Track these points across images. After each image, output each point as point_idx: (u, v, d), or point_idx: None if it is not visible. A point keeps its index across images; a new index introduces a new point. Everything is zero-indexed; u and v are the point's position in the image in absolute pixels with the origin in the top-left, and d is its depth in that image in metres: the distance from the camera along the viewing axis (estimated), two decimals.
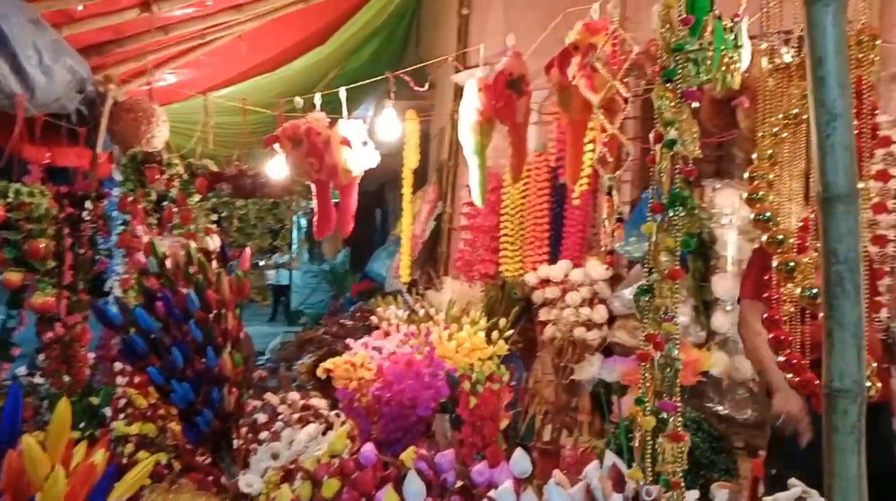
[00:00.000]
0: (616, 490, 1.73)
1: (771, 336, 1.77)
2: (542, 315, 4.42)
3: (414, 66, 4.50)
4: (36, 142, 4.09)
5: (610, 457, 1.71)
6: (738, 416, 3.73)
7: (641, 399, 1.30)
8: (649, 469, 1.31)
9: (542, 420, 3.02)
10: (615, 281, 4.38)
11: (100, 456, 2.06)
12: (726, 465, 2.21)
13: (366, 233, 9.85)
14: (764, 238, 1.68)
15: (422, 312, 3.21)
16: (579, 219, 4.47)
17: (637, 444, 1.31)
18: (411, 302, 3.90)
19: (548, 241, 4.67)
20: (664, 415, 1.28)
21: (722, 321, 3.88)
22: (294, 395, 3.13)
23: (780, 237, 1.61)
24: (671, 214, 1.31)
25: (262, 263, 5.35)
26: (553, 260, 4.57)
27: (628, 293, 4.20)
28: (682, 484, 1.34)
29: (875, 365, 2.03)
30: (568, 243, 4.54)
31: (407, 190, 5.05)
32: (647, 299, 1.32)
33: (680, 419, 1.30)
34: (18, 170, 3.94)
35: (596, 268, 4.28)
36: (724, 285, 3.96)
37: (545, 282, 4.46)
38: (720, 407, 3.84)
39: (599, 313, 4.20)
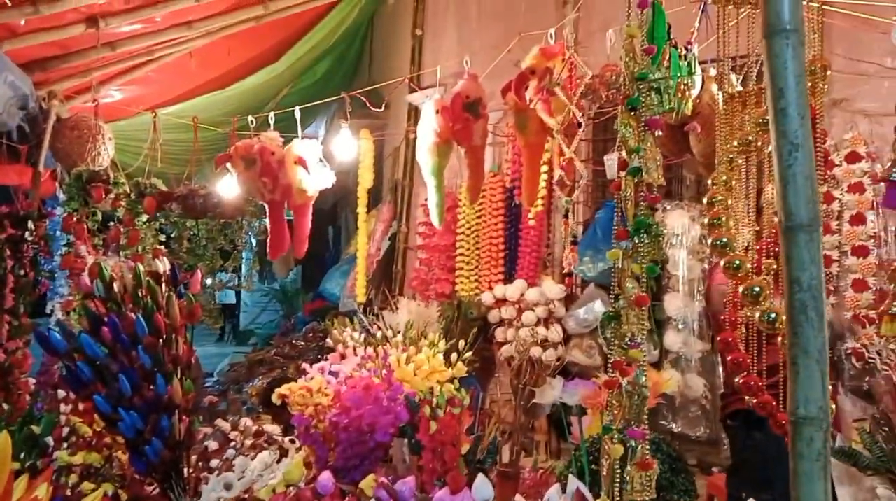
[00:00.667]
0: None
1: (729, 358, 1.80)
2: (499, 335, 4.42)
3: (370, 88, 4.48)
4: None
5: (573, 482, 1.70)
6: (691, 434, 3.79)
7: (609, 427, 1.29)
8: (618, 498, 1.30)
9: (501, 441, 2.99)
10: (568, 300, 4.42)
11: (43, 490, 1.96)
12: (685, 486, 2.22)
13: (318, 252, 9.71)
14: (722, 263, 1.70)
15: (378, 334, 3.17)
16: (534, 239, 4.50)
17: (605, 473, 1.30)
18: (367, 323, 3.85)
19: (503, 261, 4.69)
20: (632, 443, 1.27)
21: (674, 339, 3.94)
22: (246, 421, 3.05)
23: (737, 263, 1.63)
24: (637, 241, 1.32)
25: (209, 282, 5.21)
26: (508, 279, 4.58)
27: (583, 313, 4.24)
28: None
29: None
30: (523, 263, 4.56)
31: (362, 208, 5.01)
32: (613, 326, 1.32)
33: (647, 447, 1.29)
34: None
35: (551, 288, 4.31)
36: (676, 304, 4.03)
37: (501, 302, 4.46)
38: (673, 425, 3.89)
39: (555, 332, 4.22)
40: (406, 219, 5.34)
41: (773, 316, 1.60)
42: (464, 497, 1.94)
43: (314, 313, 5.97)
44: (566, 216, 3.14)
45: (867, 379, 3.51)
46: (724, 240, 1.63)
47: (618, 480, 1.29)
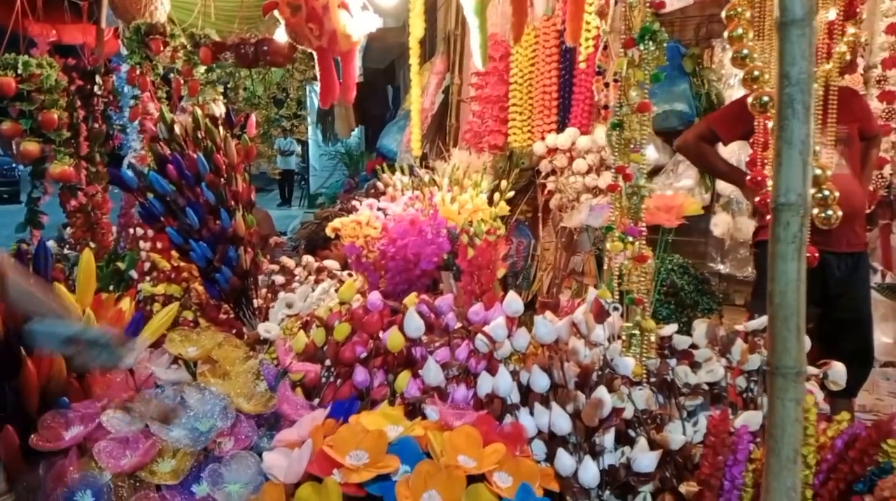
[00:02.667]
0: (597, 321, 1.89)
1: (748, 178, 1.86)
2: (550, 184, 4.51)
3: None
4: (39, 19, 4.09)
5: (592, 293, 1.85)
6: (738, 274, 3.89)
7: (611, 226, 1.41)
8: (616, 288, 1.44)
9: (549, 282, 3.17)
10: None
11: (126, 303, 2.26)
12: (710, 305, 2.36)
13: (378, 111, 9.79)
14: (750, 100, 1.72)
15: (427, 178, 3.31)
16: (587, 84, 4.45)
17: (606, 267, 1.44)
18: (421, 174, 4.00)
19: (556, 110, 4.68)
20: (630, 240, 1.39)
21: (726, 184, 3.95)
22: (309, 258, 3.31)
23: (756, 73, 1.66)
24: (641, 48, 1.37)
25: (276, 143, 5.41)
26: (562, 129, 4.59)
27: None
28: (645, 301, 1.48)
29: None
30: (576, 111, 4.55)
31: (414, 61, 5.00)
32: (617, 133, 1.40)
33: (644, 242, 1.41)
34: (25, 48, 3.98)
35: (604, 135, 4.31)
36: (731, 147, 4.01)
37: (553, 151, 4.51)
38: (722, 267, 3.99)
39: (605, 179, 4.27)
40: (459, 70, 5.33)
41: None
42: (496, 310, 2.13)
43: (375, 171, 6.16)
44: (605, 48, 3.11)
45: None
46: (745, 51, 1.64)
47: (617, 273, 1.43)
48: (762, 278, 2.92)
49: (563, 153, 4.45)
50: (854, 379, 2.94)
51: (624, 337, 1.62)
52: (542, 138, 4.61)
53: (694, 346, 2.06)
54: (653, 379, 2.07)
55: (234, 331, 2.72)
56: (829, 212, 2.08)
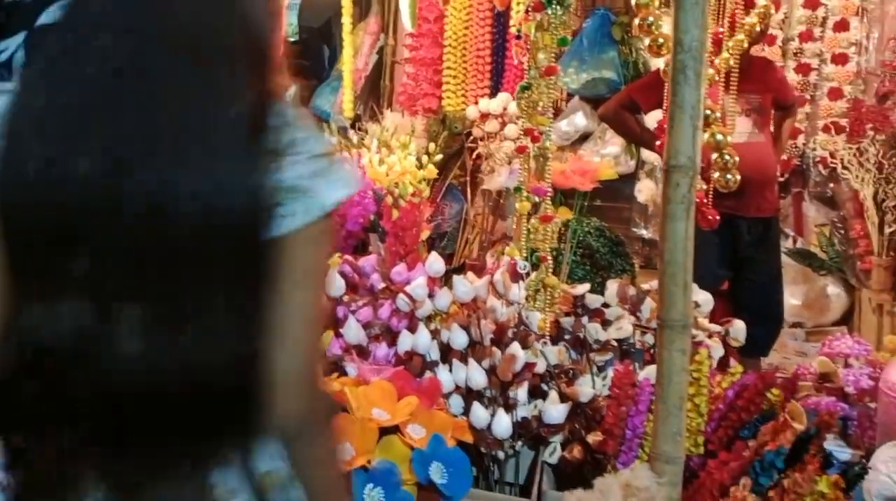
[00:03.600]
0: (513, 281, 1.97)
1: (658, 144, 1.94)
2: (481, 149, 4.56)
3: None
4: None
5: (514, 256, 1.93)
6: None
7: (519, 187, 1.47)
8: (524, 247, 1.51)
9: (477, 245, 3.25)
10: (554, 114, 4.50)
11: None
12: (623, 267, 2.47)
13: (313, 71, 9.59)
14: (661, 66, 1.79)
15: (356, 140, 3.31)
16: (520, 49, 4.49)
17: (515, 226, 1.50)
18: (351, 136, 3.98)
19: (490, 75, 4.71)
20: (537, 199, 1.46)
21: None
22: None
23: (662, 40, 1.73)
24: (549, 12, 1.42)
25: None
26: (495, 93, 4.62)
27: (564, 125, 4.34)
28: (549, 259, 1.56)
29: None
30: (508, 76, 4.59)
31: (347, 20, 4.96)
32: (526, 95, 1.46)
33: (549, 202, 1.48)
34: None
35: None
36: (656, 115, 4.12)
37: (486, 116, 4.55)
38: (645, 232, 4.13)
39: (553, 146, 4.33)
40: (394, 31, 5.28)
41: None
42: (418, 270, 2.18)
43: None
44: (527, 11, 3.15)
45: (831, 185, 3.69)
46: (650, 19, 1.71)
47: (525, 231, 1.49)
48: None
49: (496, 118, 4.50)
50: (764, 338, 3.15)
51: (530, 293, 1.70)
52: (476, 102, 4.65)
53: (606, 305, 2.16)
54: (567, 337, 2.17)
55: None
56: (729, 176, 2.20)
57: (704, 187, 2.28)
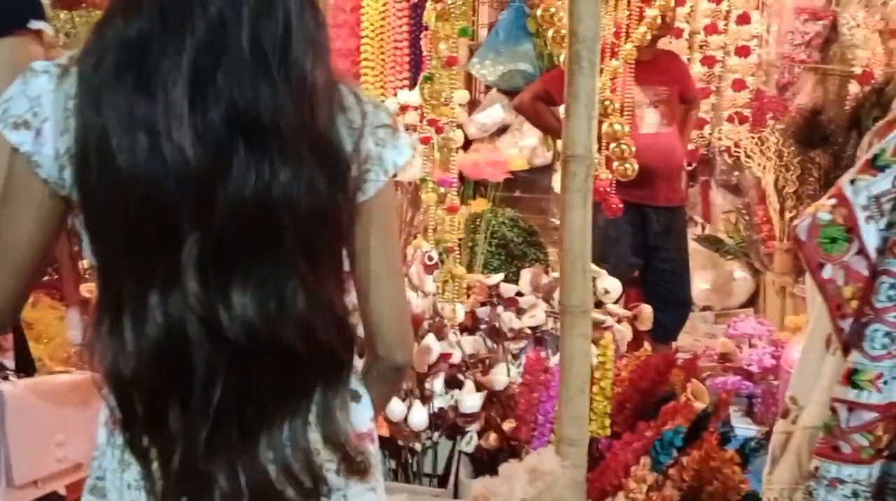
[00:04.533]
0: (427, 272, 1.98)
1: None
2: None
3: None
4: None
5: (424, 247, 1.94)
6: None
7: (425, 178, 1.48)
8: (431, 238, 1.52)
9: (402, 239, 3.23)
10: (472, 106, 4.54)
11: None
12: (537, 256, 2.52)
13: None
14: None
15: None
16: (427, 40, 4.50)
17: (422, 218, 1.51)
18: None
19: (409, 66, 4.71)
20: (442, 190, 1.47)
21: None
22: None
23: None
24: (449, 2, 1.43)
25: None
26: (414, 85, 4.63)
27: (483, 117, 4.39)
28: (456, 250, 1.57)
29: None
30: (427, 67, 4.60)
31: None
32: (428, 86, 1.47)
33: (455, 194, 1.50)
34: None
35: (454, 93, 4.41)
36: None
37: (405, 108, 4.54)
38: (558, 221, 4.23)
39: (457, 137, 4.37)
40: None
41: None
42: None
43: None
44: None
45: (736, 173, 3.86)
46: (553, 9, 1.75)
47: (432, 223, 1.51)
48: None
49: (415, 110, 4.50)
50: (673, 322, 3.27)
51: (439, 285, 1.72)
52: (395, 94, 4.63)
53: (520, 293, 2.21)
54: (482, 326, 2.20)
55: None
56: (627, 166, 2.27)
57: (609, 176, 2.34)
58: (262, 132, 0.77)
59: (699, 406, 1.71)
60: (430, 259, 1.55)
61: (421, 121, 4.50)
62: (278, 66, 0.77)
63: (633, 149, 2.23)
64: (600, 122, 2.15)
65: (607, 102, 2.09)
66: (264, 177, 0.76)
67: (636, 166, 2.29)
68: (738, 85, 3.76)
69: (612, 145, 2.19)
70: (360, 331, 0.90)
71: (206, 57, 0.75)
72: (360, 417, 0.92)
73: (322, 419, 0.83)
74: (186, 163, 0.75)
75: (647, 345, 3.04)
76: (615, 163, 2.27)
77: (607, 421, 1.63)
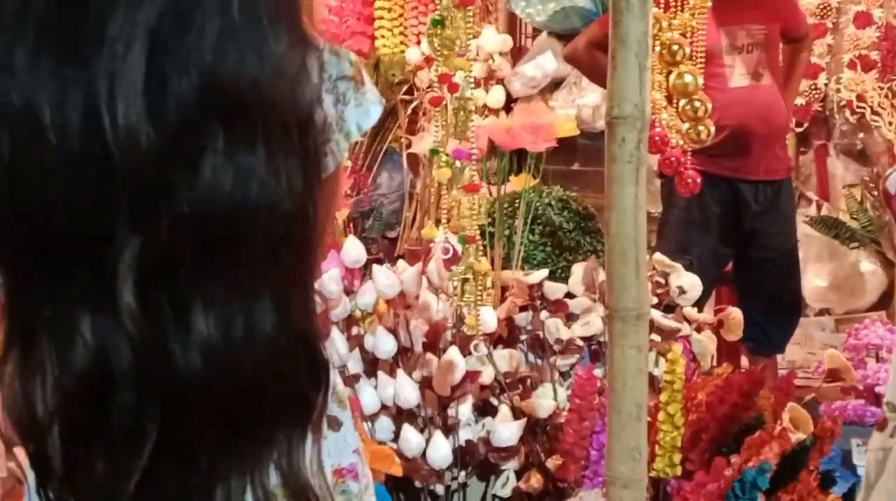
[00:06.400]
0: (447, 268, 2.00)
1: None
2: (426, 101, 4.57)
3: None
4: None
5: (442, 236, 1.96)
6: (650, 210, 4.11)
7: (435, 149, 1.49)
8: (446, 225, 1.54)
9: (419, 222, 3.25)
10: (517, 55, 4.53)
11: None
12: (593, 246, 2.51)
13: None
14: None
15: None
16: None
17: (433, 199, 1.53)
18: None
19: (435, 6, 4.72)
20: (458, 164, 1.48)
21: None
22: None
23: None
24: None
25: None
26: None
27: (530, 69, 4.37)
28: (478, 238, 1.59)
29: None
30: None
31: None
32: (438, 31, 1.48)
33: (475, 168, 1.51)
34: None
35: (492, 39, 4.38)
36: None
37: (430, 60, 4.55)
38: None
39: (495, 96, 4.36)
40: None
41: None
42: (331, 260, 2.21)
43: None
44: None
45: (861, 135, 3.79)
46: None
47: (445, 206, 1.52)
48: (667, 213, 3.12)
49: None
50: (779, 330, 3.23)
51: (456, 284, 1.73)
52: (418, 42, 4.65)
53: (570, 295, 2.21)
54: (522, 337, 2.21)
55: None
56: (701, 128, 2.25)
57: (683, 143, 2.32)
58: (246, 111, 0.73)
59: (799, 436, 1.70)
60: (448, 251, 1.56)
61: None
62: (270, 21, 0.73)
63: (709, 106, 2.21)
64: (668, 73, 2.14)
65: (675, 47, 2.07)
66: (243, 170, 0.73)
67: (711, 128, 2.27)
68: (863, 19, 3.69)
69: (683, 102, 2.17)
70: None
71: (170, 10, 0.71)
72: (341, 449, 0.93)
73: (285, 464, 0.82)
74: (135, 148, 0.72)
75: (744, 360, 3.02)
76: (685, 126, 2.24)
77: (677, 457, 1.63)
